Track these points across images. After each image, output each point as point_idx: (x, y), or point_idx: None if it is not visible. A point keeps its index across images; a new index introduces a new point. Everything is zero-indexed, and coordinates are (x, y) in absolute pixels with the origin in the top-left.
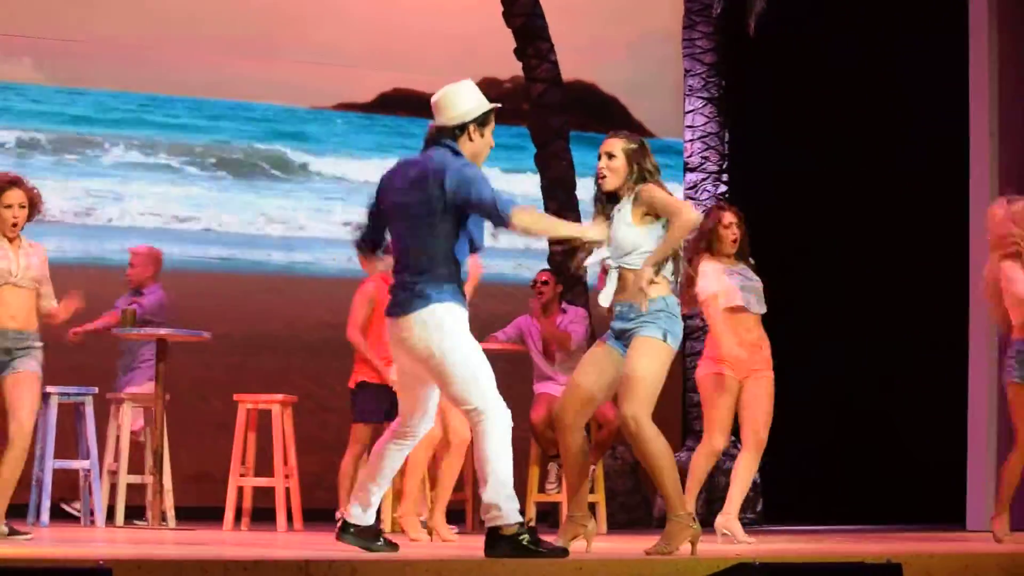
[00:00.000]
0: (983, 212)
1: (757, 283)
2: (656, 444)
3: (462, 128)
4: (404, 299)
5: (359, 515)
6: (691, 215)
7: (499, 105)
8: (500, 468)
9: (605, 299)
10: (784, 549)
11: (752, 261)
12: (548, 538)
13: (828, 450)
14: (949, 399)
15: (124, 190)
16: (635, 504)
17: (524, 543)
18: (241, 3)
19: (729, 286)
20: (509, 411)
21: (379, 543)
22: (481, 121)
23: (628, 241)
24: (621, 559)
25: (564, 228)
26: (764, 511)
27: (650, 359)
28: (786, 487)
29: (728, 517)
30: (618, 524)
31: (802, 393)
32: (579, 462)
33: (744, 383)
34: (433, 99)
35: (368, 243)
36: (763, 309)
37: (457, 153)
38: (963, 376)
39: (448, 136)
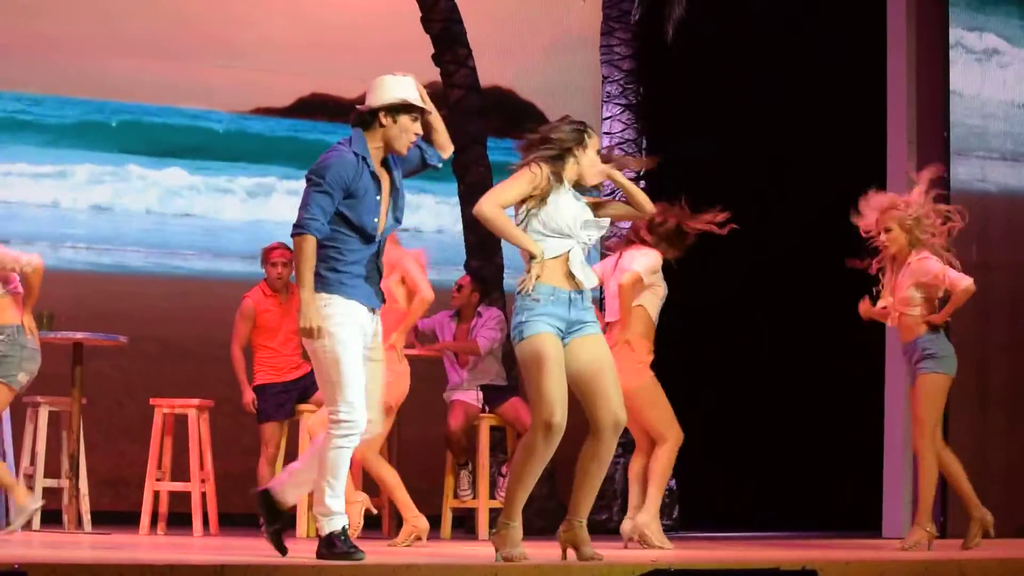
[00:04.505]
0: None
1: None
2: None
3: (372, 113)
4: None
5: (286, 497)
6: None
7: (410, 103)
8: (343, 476)
9: (592, 279)
10: (700, 555)
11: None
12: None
13: (745, 457)
14: (866, 408)
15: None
16: (552, 510)
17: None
18: (157, 6)
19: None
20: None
21: (277, 525)
22: (393, 110)
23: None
24: (539, 565)
25: (306, 276)
26: (680, 517)
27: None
28: (702, 494)
29: (640, 519)
30: (535, 530)
31: (719, 399)
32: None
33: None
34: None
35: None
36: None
37: (351, 141)
38: (879, 385)
39: (361, 122)
